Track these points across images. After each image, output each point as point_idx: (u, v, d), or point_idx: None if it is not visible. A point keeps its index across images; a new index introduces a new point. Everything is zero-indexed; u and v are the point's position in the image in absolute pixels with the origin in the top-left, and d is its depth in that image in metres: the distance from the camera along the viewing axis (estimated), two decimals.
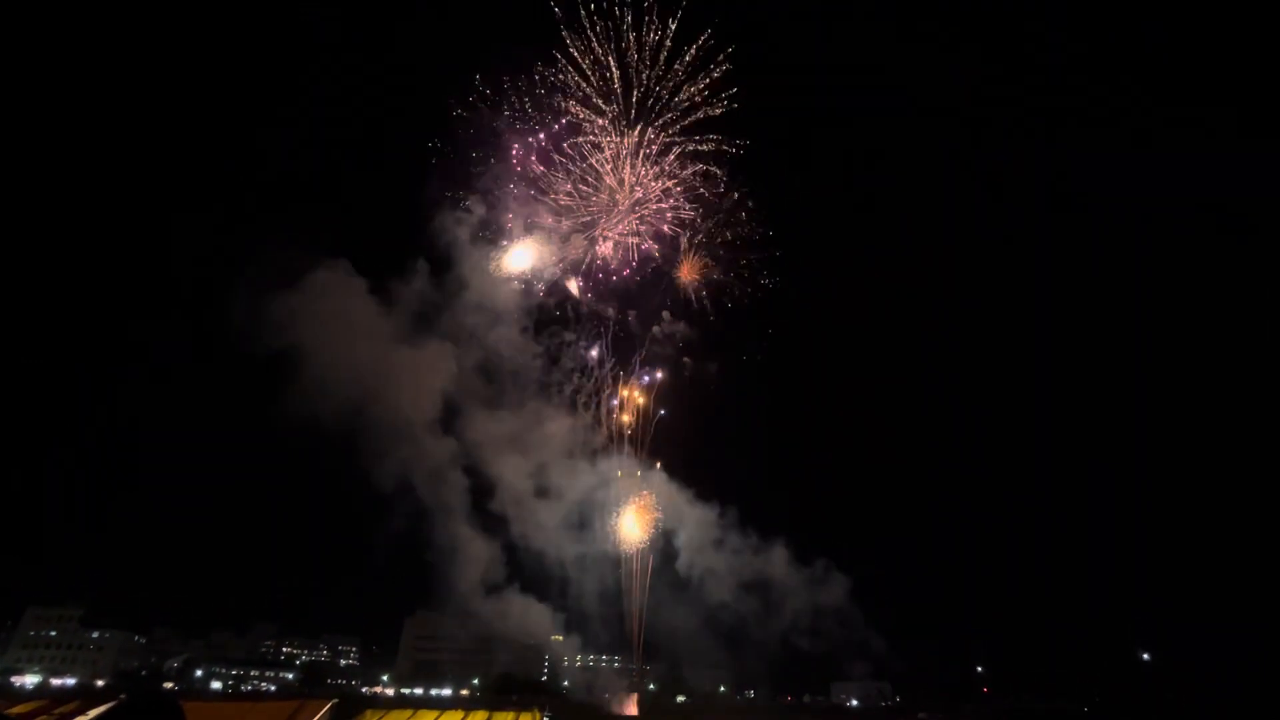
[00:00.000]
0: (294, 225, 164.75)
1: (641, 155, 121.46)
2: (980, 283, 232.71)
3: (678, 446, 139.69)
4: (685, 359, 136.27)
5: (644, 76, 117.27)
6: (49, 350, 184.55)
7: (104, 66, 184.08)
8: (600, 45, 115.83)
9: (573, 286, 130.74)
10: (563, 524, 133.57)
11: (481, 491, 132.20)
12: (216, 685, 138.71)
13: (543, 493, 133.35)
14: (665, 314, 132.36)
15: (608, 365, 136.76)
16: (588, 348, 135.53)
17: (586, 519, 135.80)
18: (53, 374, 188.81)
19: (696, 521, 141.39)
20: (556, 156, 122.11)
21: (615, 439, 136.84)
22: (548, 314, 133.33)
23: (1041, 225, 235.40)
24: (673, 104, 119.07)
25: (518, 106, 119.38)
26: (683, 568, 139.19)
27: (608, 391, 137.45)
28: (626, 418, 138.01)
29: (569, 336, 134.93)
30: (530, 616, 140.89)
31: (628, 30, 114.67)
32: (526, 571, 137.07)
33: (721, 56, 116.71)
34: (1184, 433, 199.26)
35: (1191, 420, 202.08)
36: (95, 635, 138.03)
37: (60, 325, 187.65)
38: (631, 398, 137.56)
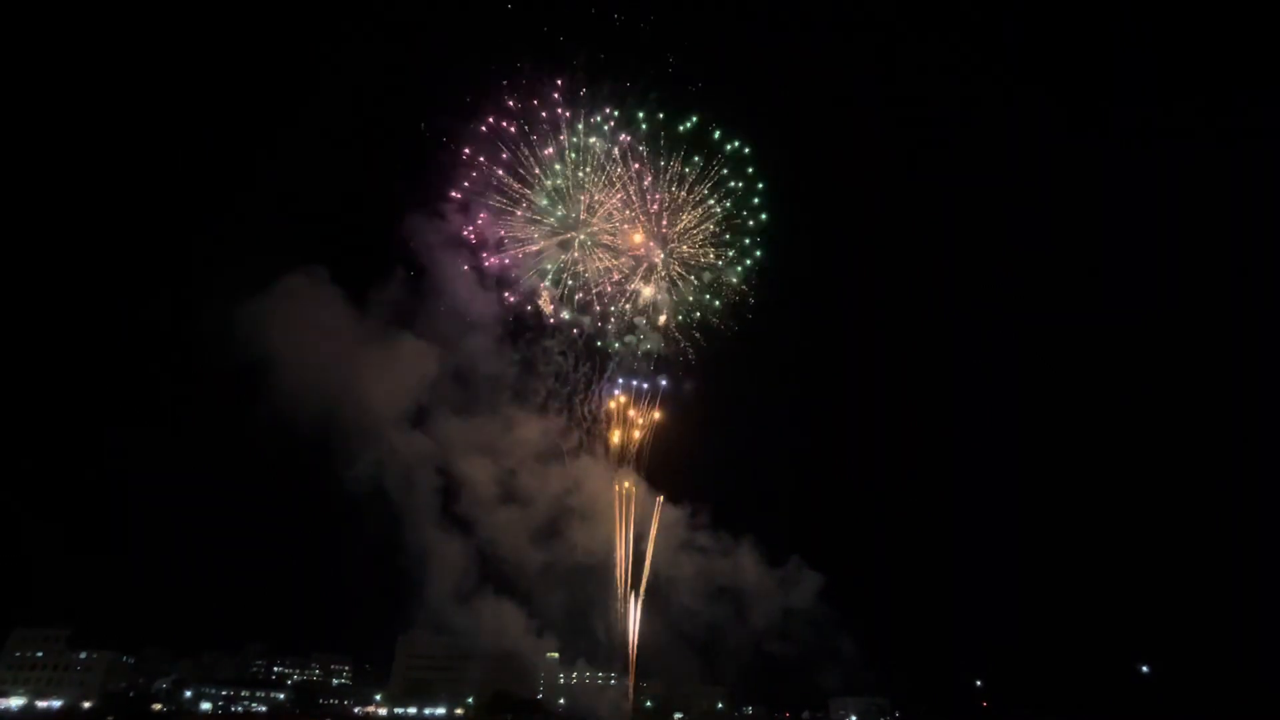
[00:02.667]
0: (276, 234, 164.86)
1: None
2: (975, 280, 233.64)
3: (659, 452, 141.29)
4: (661, 378, 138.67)
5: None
6: (34, 368, 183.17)
7: (86, 69, 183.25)
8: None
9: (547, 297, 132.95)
10: (560, 535, 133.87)
11: (472, 501, 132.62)
12: (206, 706, 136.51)
13: (532, 503, 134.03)
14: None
15: (582, 370, 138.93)
16: (567, 355, 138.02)
17: (579, 529, 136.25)
18: (36, 394, 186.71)
19: (686, 531, 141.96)
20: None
21: (587, 441, 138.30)
22: (524, 321, 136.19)
23: (1040, 223, 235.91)
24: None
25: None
26: (671, 575, 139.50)
27: (581, 397, 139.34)
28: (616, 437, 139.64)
29: (548, 343, 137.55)
30: (522, 631, 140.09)
31: None
32: (521, 585, 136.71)
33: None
34: (1185, 436, 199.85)
35: (1191, 424, 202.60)
36: (83, 656, 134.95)
37: (43, 341, 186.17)
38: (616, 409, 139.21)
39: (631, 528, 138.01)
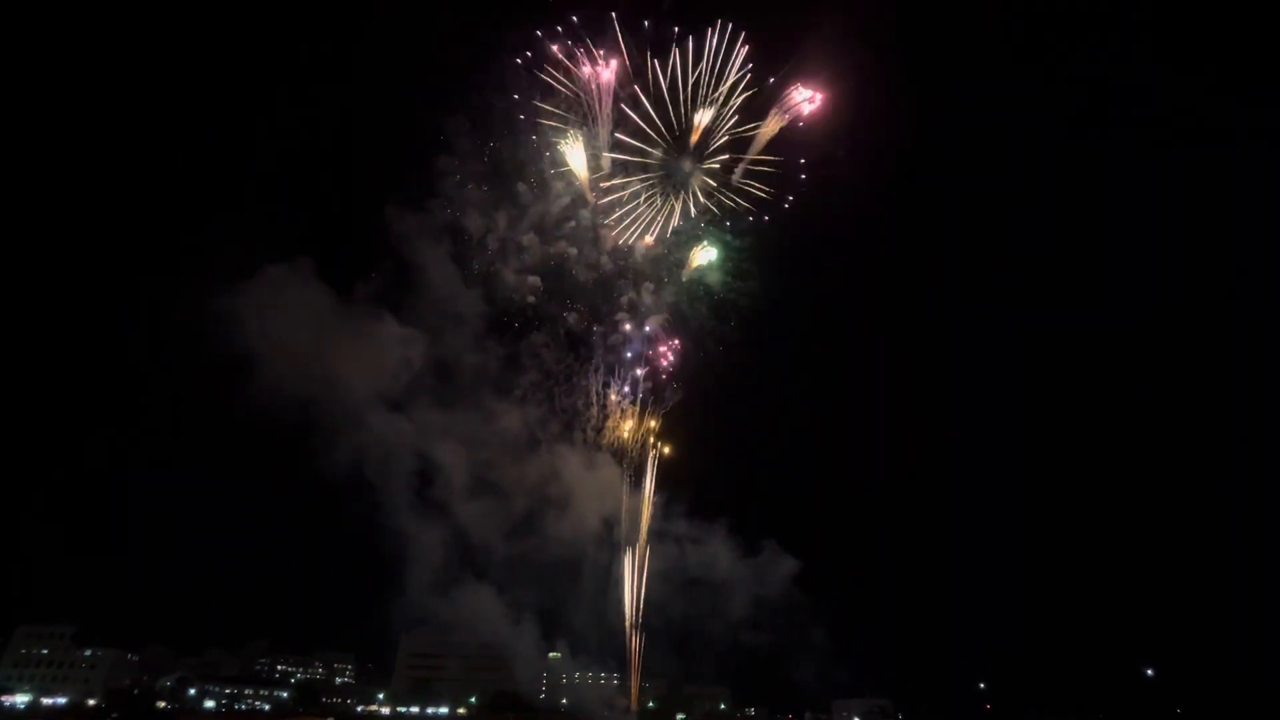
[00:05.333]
0: (265, 227, 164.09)
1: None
2: (974, 279, 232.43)
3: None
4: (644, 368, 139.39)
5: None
6: (31, 367, 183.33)
7: (68, 62, 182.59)
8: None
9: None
10: (551, 527, 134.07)
11: (465, 494, 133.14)
12: (210, 704, 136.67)
13: (526, 495, 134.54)
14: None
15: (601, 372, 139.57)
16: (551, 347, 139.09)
17: (569, 521, 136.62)
18: (33, 393, 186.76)
19: (685, 525, 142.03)
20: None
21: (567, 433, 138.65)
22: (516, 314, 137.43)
23: (1040, 223, 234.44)
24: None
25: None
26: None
27: (562, 389, 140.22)
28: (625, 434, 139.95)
29: (538, 338, 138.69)
30: (506, 621, 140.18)
31: None
32: (520, 583, 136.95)
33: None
34: (1186, 437, 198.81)
35: (1192, 425, 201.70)
36: (87, 653, 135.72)
37: (46, 342, 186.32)
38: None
39: (642, 525, 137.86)
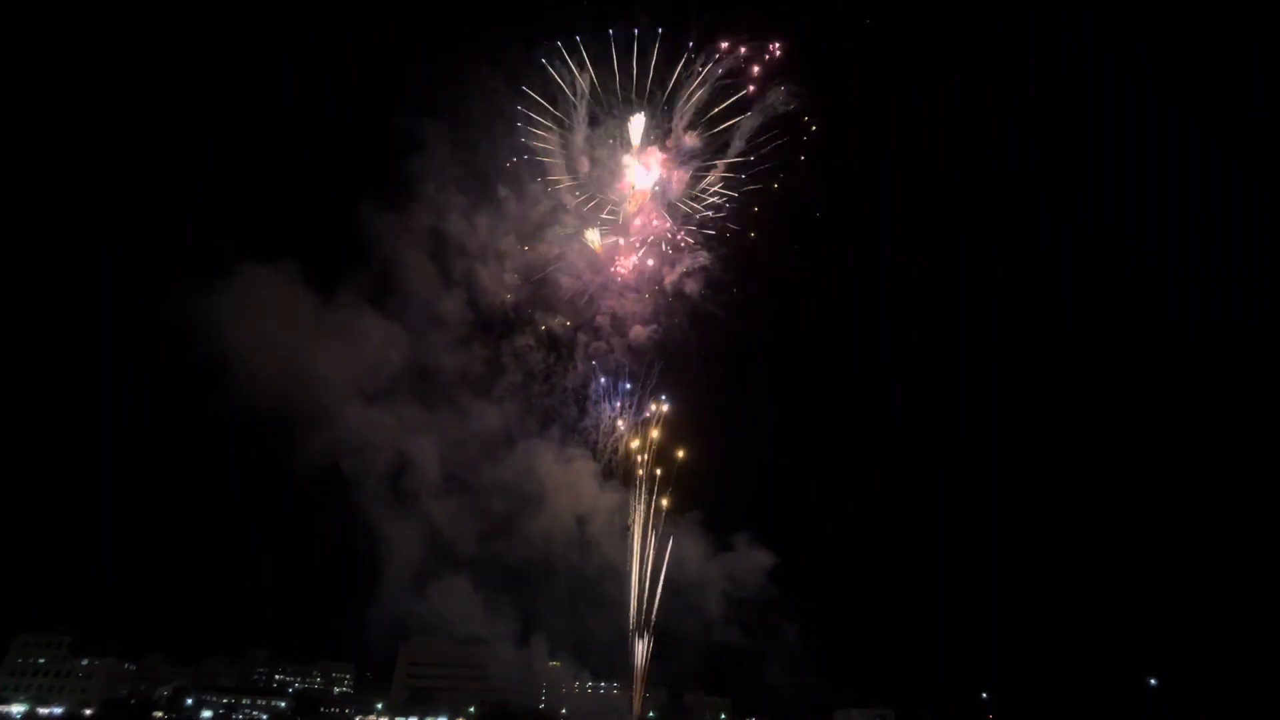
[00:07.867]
0: (246, 226, 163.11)
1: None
2: (977, 272, 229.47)
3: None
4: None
5: None
6: (31, 371, 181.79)
7: (46, 62, 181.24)
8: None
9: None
10: (563, 537, 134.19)
11: (468, 508, 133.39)
12: (207, 714, 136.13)
13: (539, 504, 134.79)
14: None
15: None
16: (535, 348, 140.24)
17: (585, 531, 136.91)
18: (33, 398, 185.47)
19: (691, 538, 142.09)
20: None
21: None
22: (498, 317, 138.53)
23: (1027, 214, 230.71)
24: None
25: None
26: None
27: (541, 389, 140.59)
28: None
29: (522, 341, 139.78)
30: (519, 639, 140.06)
31: None
32: (517, 591, 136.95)
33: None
34: (1194, 440, 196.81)
35: (1199, 428, 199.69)
36: (84, 663, 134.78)
37: (42, 343, 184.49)
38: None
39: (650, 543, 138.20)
